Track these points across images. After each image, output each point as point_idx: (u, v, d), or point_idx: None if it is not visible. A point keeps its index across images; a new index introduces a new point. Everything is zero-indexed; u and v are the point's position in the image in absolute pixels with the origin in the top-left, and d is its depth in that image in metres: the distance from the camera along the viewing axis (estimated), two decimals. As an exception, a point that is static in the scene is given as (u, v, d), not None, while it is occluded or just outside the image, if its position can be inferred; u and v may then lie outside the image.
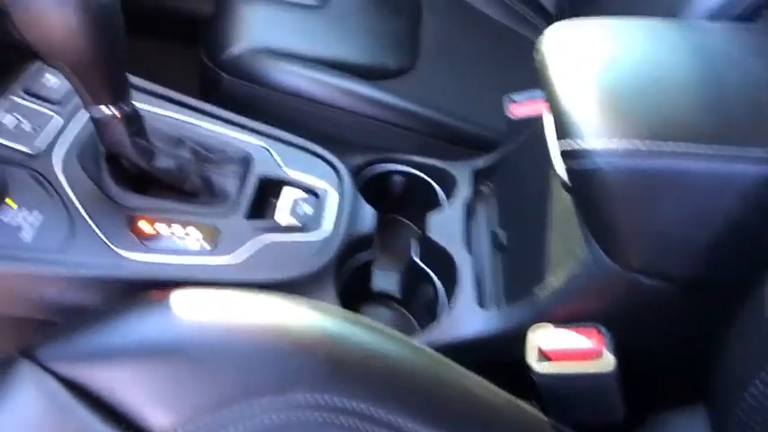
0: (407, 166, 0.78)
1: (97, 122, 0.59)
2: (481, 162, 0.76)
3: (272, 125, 0.73)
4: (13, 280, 0.55)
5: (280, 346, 0.45)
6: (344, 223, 0.65)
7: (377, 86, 0.84)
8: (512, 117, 0.72)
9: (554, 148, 0.51)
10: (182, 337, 0.47)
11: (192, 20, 1.18)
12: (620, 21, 0.57)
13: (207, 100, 0.76)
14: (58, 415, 0.43)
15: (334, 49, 0.88)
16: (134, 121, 0.60)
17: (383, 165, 0.78)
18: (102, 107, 0.57)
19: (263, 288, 0.58)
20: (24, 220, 0.58)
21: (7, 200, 0.59)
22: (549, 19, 1.20)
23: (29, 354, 0.45)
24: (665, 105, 0.47)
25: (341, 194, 0.67)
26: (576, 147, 0.45)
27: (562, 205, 0.57)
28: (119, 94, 0.57)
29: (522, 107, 0.72)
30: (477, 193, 0.74)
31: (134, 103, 0.59)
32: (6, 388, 0.43)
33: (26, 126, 0.65)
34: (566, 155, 0.47)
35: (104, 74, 0.54)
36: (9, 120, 0.65)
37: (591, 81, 0.49)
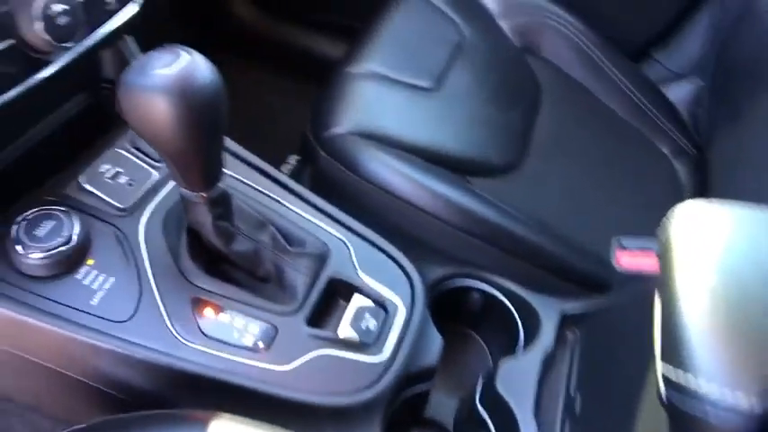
0: (491, 287, 0.72)
1: (184, 199, 0.59)
2: (575, 305, 0.69)
3: (358, 214, 0.71)
4: (72, 344, 0.56)
5: None
6: (406, 351, 0.61)
7: (472, 194, 0.79)
8: (617, 267, 0.64)
9: (658, 350, 0.44)
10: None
11: (320, 62, 1.20)
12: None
13: (302, 168, 0.74)
14: None
15: (438, 137, 0.85)
16: (220, 204, 0.59)
17: (465, 280, 0.73)
18: (190, 191, 0.56)
19: (306, 406, 0.55)
20: (97, 281, 0.59)
21: (89, 259, 0.60)
22: (684, 129, 1.11)
23: None
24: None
25: (410, 317, 0.63)
26: (683, 382, 0.38)
27: (652, 396, 0.50)
28: (208, 184, 0.56)
29: (631, 257, 0.64)
30: (559, 339, 0.67)
31: (227, 172, 0.59)
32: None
33: (123, 179, 0.66)
34: (668, 382, 0.40)
35: (197, 167, 0.54)
36: (110, 172, 0.66)
37: (721, 299, 0.41)
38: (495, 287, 0.72)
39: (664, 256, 0.47)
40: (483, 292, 0.73)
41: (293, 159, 0.87)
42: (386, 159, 0.77)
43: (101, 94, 0.72)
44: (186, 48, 0.50)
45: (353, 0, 1.42)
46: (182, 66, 0.48)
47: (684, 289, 0.43)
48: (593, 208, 0.85)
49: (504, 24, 1.10)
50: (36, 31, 0.50)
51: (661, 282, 0.46)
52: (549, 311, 0.68)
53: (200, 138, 0.52)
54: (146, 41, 0.69)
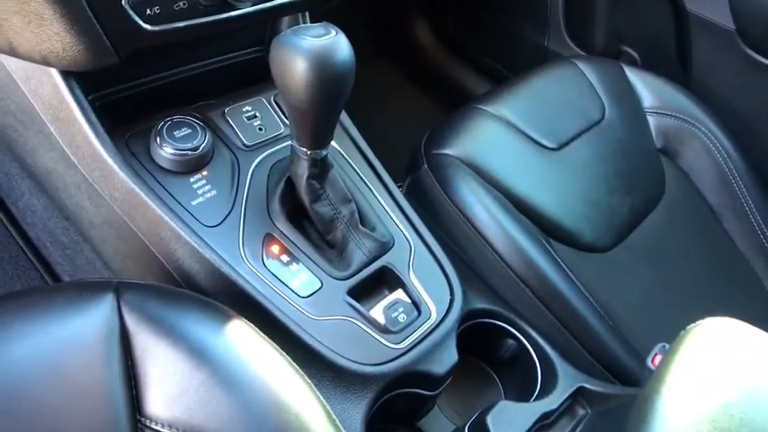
0: (526, 338, 0.74)
1: (292, 152, 0.68)
2: (596, 384, 0.69)
3: (433, 228, 0.76)
4: (165, 228, 0.67)
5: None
6: (421, 351, 0.65)
7: (547, 254, 0.81)
8: (650, 366, 0.64)
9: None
10: (222, 357, 0.52)
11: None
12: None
13: (405, 175, 0.81)
14: (101, 347, 0.51)
15: (538, 195, 0.88)
16: (319, 166, 0.68)
17: (504, 323, 0.75)
18: (299, 145, 0.66)
19: (317, 355, 0.62)
20: (203, 189, 0.70)
21: (204, 170, 0.71)
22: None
23: (118, 291, 0.54)
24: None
25: (437, 325, 0.67)
26: None
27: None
28: (316, 146, 0.65)
29: (666, 361, 0.64)
30: (569, 408, 0.68)
31: (337, 148, 0.67)
32: (88, 305, 0.52)
33: (256, 123, 0.78)
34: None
35: (311, 127, 0.63)
36: (249, 113, 0.78)
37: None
38: (528, 339, 0.74)
39: (670, 353, 0.48)
40: (517, 339, 0.75)
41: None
42: (478, 191, 0.82)
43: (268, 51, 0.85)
44: (337, 28, 0.60)
45: (515, 53, 1.50)
46: (328, 39, 0.58)
47: (675, 381, 0.44)
48: (660, 315, 0.83)
49: (651, 120, 1.11)
50: (236, -20, 0.63)
51: (654, 389, 0.46)
52: (570, 380, 0.69)
53: (322, 103, 0.61)
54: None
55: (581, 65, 1.10)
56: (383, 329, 0.66)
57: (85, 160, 0.69)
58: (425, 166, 0.86)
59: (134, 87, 0.74)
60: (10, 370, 0.47)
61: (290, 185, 0.72)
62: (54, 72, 0.65)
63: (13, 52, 0.64)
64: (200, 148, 0.70)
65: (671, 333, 0.73)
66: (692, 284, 0.93)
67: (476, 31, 1.58)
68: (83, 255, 0.96)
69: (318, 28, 0.59)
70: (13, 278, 1.07)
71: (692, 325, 0.50)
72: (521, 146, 0.91)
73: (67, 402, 0.48)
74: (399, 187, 0.82)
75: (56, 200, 0.86)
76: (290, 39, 0.59)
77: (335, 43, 0.59)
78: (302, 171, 0.69)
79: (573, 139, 0.97)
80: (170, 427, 0.49)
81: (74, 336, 0.51)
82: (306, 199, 0.70)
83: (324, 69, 0.58)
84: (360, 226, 0.72)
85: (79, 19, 0.58)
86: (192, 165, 0.70)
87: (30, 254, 1.09)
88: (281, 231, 0.69)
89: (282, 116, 0.80)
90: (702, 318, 0.81)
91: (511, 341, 0.76)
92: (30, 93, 0.69)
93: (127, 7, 0.59)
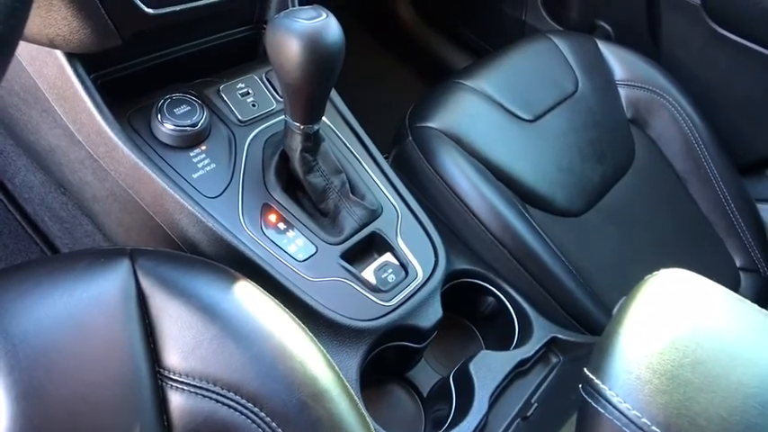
0: (504, 295, 0.81)
1: (286, 126, 0.73)
2: (568, 334, 0.76)
3: (417, 196, 0.82)
4: (169, 199, 0.72)
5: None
6: (409, 308, 0.71)
7: (523, 218, 0.87)
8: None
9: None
10: (232, 314, 0.58)
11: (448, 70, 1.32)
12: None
13: (390, 148, 0.87)
14: (121, 307, 0.56)
15: (515, 163, 0.94)
16: (311, 140, 0.73)
17: (484, 282, 0.82)
18: (293, 120, 0.71)
19: (315, 312, 0.68)
20: (203, 162, 0.75)
21: (202, 145, 0.76)
22: (765, 251, 1.12)
23: (132, 256, 0.59)
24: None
25: (423, 284, 0.74)
26: (605, 393, 0.46)
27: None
28: (308, 120, 0.70)
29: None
30: (543, 356, 0.75)
31: (328, 123, 0.72)
32: (105, 270, 0.57)
33: (250, 99, 0.82)
34: (587, 382, 0.48)
35: (304, 103, 0.68)
36: (243, 90, 0.83)
37: (661, 344, 0.48)
38: (506, 296, 0.81)
39: (628, 299, 0.54)
40: (496, 297, 0.82)
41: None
42: (459, 161, 0.88)
43: (260, 30, 0.89)
44: (327, 10, 0.64)
45: (494, 27, 1.55)
46: (319, 21, 0.62)
47: (633, 333, 0.51)
48: (627, 273, 0.91)
49: (622, 92, 1.17)
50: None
51: (615, 324, 0.53)
52: (544, 331, 0.76)
53: (315, 80, 0.66)
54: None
55: (556, 40, 1.15)
56: (374, 289, 0.72)
57: (90, 137, 0.73)
58: (410, 138, 0.92)
59: (134, 66, 0.77)
60: (41, 327, 0.53)
61: (285, 158, 0.77)
62: (59, 53, 0.68)
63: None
64: (199, 124, 0.74)
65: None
66: (658, 245, 1.01)
67: (455, 6, 1.63)
68: (81, 228, 1.00)
69: (310, 11, 0.64)
70: (14, 252, 1.11)
71: (649, 276, 0.57)
72: (499, 118, 0.97)
73: (94, 356, 0.54)
74: (386, 158, 0.87)
75: (57, 175, 0.90)
76: (285, 22, 0.63)
77: (326, 25, 0.63)
78: (296, 144, 0.74)
79: (548, 111, 1.02)
80: (187, 375, 0.54)
81: (96, 297, 0.56)
82: (300, 170, 0.75)
83: (316, 49, 0.63)
84: (350, 195, 0.77)
85: (85, 4, 0.61)
86: (191, 140, 0.74)
87: (29, 228, 1.12)
88: (278, 201, 0.75)
89: (274, 92, 0.85)
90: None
91: (490, 298, 0.83)
92: (35, 73, 0.72)
93: (130, -9, 0.63)
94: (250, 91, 0.83)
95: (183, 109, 0.75)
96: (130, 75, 0.77)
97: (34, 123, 0.81)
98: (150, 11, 0.66)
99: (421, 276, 0.75)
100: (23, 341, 0.50)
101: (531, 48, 1.12)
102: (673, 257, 1.01)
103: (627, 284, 0.86)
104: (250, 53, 0.88)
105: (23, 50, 0.72)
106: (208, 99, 0.80)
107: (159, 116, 0.73)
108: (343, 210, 0.76)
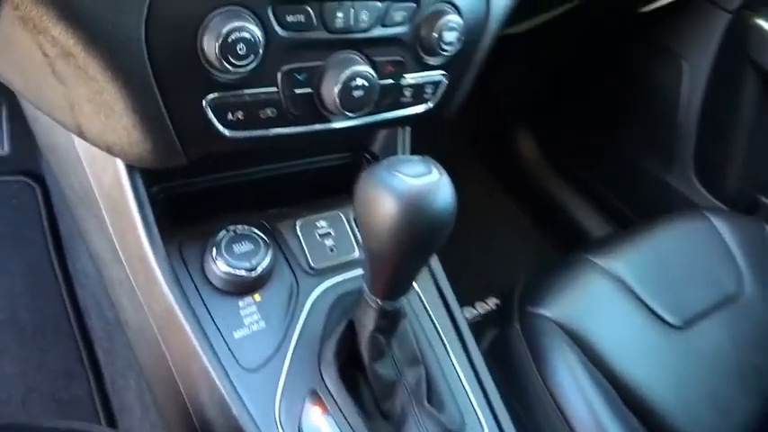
0: None
1: (360, 294, 0.57)
2: None
3: (512, 401, 0.62)
4: (197, 363, 0.56)
5: None
6: None
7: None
8: None
9: None
10: None
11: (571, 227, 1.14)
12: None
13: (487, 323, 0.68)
14: None
15: (652, 383, 0.71)
16: (389, 319, 0.56)
17: None
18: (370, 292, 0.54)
19: None
20: (251, 318, 0.59)
21: (257, 294, 0.61)
22: None
23: None
24: None
25: None
26: None
27: None
28: (388, 296, 0.54)
29: None
30: None
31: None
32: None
33: (328, 242, 0.68)
34: None
35: (387, 277, 0.52)
36: (323, 229, 0.68)
37: None
38: None
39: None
40: None
41: (482, 308, 0.81)
42: (577, 372, 0.66)
43: (360, 160, 0.76)
44: (439, 166, 0.49)
45: (632, 185, 1.34)
46: (426, 182, 0.47)
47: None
48: None
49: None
50: (333, 93, 0.54)
51: None
52: None
53: (408, 253, 0.50)
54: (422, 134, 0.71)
55: (715, 220, 0.93)
56: None
57: (132, 260, 0.62)
58: (517, 325, 0.72)
59: (203, 183, 0.66)
60: None
61: (351, 330, 0.60)
62: (119, 162, 0.58)
63: (81, 135, 0.58)
64: (258, 269, 0.60)
65: None
66: None
67: (587, 151, 1.44)
68: (121, 338, 0.88)
69: (418, 164, 0.49)
70: (50, 342, 1.01)
71: None
72: (638, 318, 0.75)
73: None
74: (474, 325, 0.68)
75: (102, 282, 0.79)
76: (383, 175, 0.48)
77: (435, 187, 0.48)
78: (368, 321, 0.57)
79: (702, 317, 0.79)
80: None
81: None
82: (366, 355, 0.58)
83: (418, 217, 0.47)
84: (425, 402, 0.58)
85: (151, 117, 0.50)
86: (245, 287, 0.60)
87: (73, 317, 1.03)
88: (329, 391, 0.57)
89: (359, 237, 0.70)
90: None
91: None
92: (92, 176, 0.63)
93: (207, 110, 0.51)
94: (331, 232, 0.69)
95: (244, 247, 0.61)
96: (196, 192, 0.66)
97: (85, 225, 0.72)
98: (228, 133, 0.53)
99: None
100: None
101: (684, 227, 0.91)
102: None
103: None
104: (342, 185, 0.75)
105: (86, 148, 0.62)
106: (278, 233, 0.66)
107: (214, 251, 0.60)
108: (411, 419, 0.57)
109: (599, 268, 0.78)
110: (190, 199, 0.66)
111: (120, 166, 0.58)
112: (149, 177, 0.60)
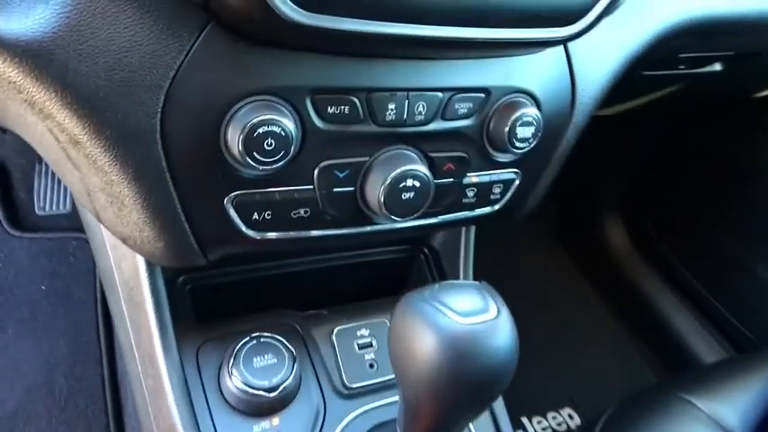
0: None
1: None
2: None
3: None
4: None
5: None
6: None
7: None
8: None
9: None
10: None
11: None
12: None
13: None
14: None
15: None
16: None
17: None
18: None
19: None
20: (267, 446, 0.50)
21: (276, 417, 0.52)
22: None
23: None
24: None
25: None
26: None
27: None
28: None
29: None
30: None
31: None
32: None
33: (368, 357, 0.59)
34: None
35: (426, 427, 0.41)
36: (363, 339, 0.59)
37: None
38: None
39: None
40: None
41: (555, 420, 0.68)
42: None
43: (414, 254, 0.67)
44: (498, 297, 0.38)
45: (741, 292, 1.14)
46: (479, 321, 0.37)
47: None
48: None
49: None
50: (377, 195, 0.46)
51: None
52: None
53: (453, 408, 0.39)
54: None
55: None
56: None
57: (144, 360, 0.55)
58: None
59: (233, 275, 0.60)
60: None
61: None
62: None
63: (100, 222, 0.53)
64: (280, 389, 0.51)
65: None
66: None
67: (687, 247, 1.25)
68: None
69: (470, 295, 0.39)
70: (80, 412, 0.96)
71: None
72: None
73: None
74: None
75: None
76: (425, 308, 0.38)
77: (492, 330, 0.37)
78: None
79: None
80: None
81: None
82: None
83: (467, 368, 0.37)
84: None
85: (164, 214, 0.43)
86: (262, 408, 0.52)
87: (108, 389, 0.98)
88: None
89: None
90: None
91: None
92: (114, 263, 0.57)
93: (230, 209, 0.44)
94: (373, 343, 0.59)
95: (266, 361, 0.52)
96: (227, 284, 0.59)
97: (112, 306, 0.65)
98: (252, 234, 0.46)
99: None
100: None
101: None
102: None
103: None
104: (391, 285, 0.66)
105: (110, 234, 0.57)
106: (310, 340, 0.57)
107: (231, 363, 0.51)
108: None
109: (701, 416, 0.63)
110: (218, 292, 0.59)
111: (140, 257, 0.52)
112: (171, 270, 0.54)
